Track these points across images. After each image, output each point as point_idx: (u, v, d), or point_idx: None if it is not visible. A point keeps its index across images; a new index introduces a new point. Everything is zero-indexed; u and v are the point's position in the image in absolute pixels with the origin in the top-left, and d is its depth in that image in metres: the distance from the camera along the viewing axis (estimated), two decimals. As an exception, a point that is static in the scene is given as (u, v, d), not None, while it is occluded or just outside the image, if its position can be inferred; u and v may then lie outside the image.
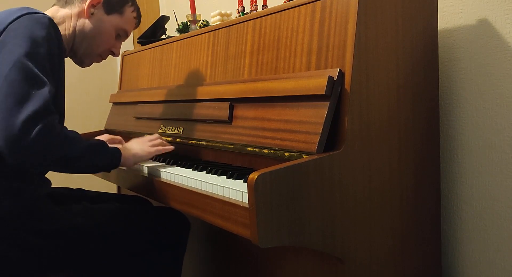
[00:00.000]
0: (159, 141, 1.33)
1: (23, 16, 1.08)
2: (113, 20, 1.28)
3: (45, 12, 1.21)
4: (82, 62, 1.32)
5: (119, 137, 1.52)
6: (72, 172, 1.12)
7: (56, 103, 1.15)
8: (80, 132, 1.94)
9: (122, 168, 1.30)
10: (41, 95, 0.99)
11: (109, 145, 1.16)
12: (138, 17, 1.37)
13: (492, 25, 1.15)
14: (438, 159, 1.16)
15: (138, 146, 1.26)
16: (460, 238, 1.26)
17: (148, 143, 1.29)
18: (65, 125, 1.23)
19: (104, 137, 1.46)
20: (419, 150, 1.10)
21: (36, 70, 1.02)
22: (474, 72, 1.20)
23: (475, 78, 1.20)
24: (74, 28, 1.24)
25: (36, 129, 0.95)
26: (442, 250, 1.27)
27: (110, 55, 1.35)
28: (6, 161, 0.99)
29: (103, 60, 1.36)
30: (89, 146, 1.08)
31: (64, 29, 1.24)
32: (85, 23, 1.24)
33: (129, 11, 1.32)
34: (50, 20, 1.10)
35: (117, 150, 1.16)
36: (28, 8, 1.12)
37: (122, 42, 1.38)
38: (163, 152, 1.30)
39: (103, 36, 1.28)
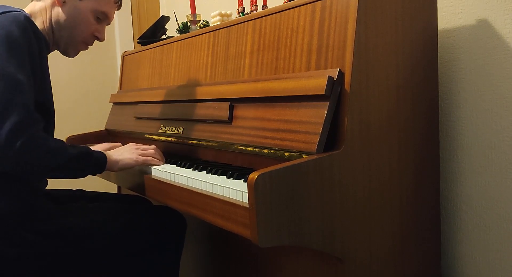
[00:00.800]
0: (151, 151, 1.31)
1: None
2: (88, 4, 1.24)
3: (24, 9, 1.21)
4: (67, 52, 1.30)
5: (119, 144, 1.52)
6: (61, 178, 1.15)
7: (43, 102, 1.16)
8: (80, 133, 1.95)
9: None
10: (24, 103, 1.00)
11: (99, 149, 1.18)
12: None
13: (491, 26, 1.15)
14: (438, 159, 1.16)
15: (126, 153, 1.26)
16: (459, 238, 1.26)
17: (137, 151, 1.28)
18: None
19: (104, 146, 1.47)
20: (419, 150, 1.10)
21: (17, 75, 1.01)
22: (473, 73, 1.20)
23: (475, 78, 1.20)
24: (50, 19, 1.23)
25: (20, 141, 0.98)
26: (442, 250, 1.27)
27: (95, 40, 1.32)
28: None
29: (89, 46, 1.33)
30: (73, 154, 1.10)
31: (42, 22, 1.23)
32: (59, 12, 1.23)
33: None
34: (26, 17, 1.09)
35: (103, 156, 1.19)
36: (4, 6, 1.12)
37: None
38: (151, 164, 1.28)
39: (81, 22, 1.25)
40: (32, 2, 1.26)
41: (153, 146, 1.34)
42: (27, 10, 1.23)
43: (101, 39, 1.33)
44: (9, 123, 0.97)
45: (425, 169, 1.12)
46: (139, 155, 1.27)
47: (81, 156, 1.12)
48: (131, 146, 1.31)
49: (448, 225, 1.28)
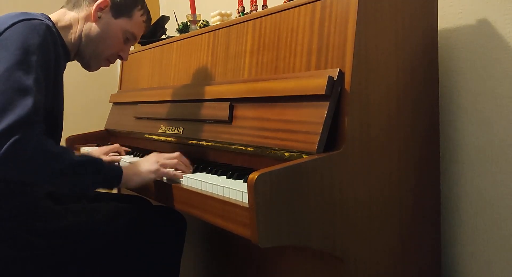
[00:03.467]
0: (174, 161, 1.18)
1: (19, 23, 1.05)
2: (121, 23, 1.25)
3: (52, 15, 1.21)
4: (89, 66, 1.30)
5: (117, 145, 1.52)
6: (66, 189, 1.08)
7: (52, 110, 1.14)
8: (80, 133, 1.95)
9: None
10: (24, 106, 0.96)
11: (113, 163, 1.11)
12: (148, 21, 1.33)
13: (492, 25, 1.15)
14: (438, 159, 1.16)
15: (145, 165, 1.17)
16: (460, 238, 1.26)
17: (158, 162, 1.17)
18: (63, 123, 1.23)
19: (102, 150, 1.45)
20: (419, 149, 1.10)
21: (24, 80, 0.99)
22: (474, 72, 1.20)
23: (475, 78, 1.20)
24: (81, 32, 1.22)
25: (9, 142, 0.92)
26: (442, 250, 1.27)
27: (118, 59, 1.33)
28: None
29: (111, 64, 1.34)
30: (77, 161, 1.03)
31: (71, 32, 1.22)
32: (92, 26, 1.22)
33: (138, 15, 1.28)
34: (48, 26, 1.08)
35: (117, 171, 1.11)
36: (26, 13, 1.10)
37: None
38: (173, 177, 1.16)
39: (110, 40, 1.25)
40: (62, 9, 1.25)
41: (177, 154, 1.21)
42: (54, 16, 1.21)
43: (124, 59, 1.34)
44: (5, 123, 0.94)
45: (426, 169, 1.12)
46: (161, 165, 1.17)
47: (87, 164, 1.05)
48: (153, 156, 1.20)
49: (448, 225, 1.28)
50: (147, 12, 1.32)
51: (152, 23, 1.83)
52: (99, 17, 1.23)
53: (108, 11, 1.23)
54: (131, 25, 1.27)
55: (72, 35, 1.22)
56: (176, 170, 1.18)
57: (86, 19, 1.22)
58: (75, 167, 1.02)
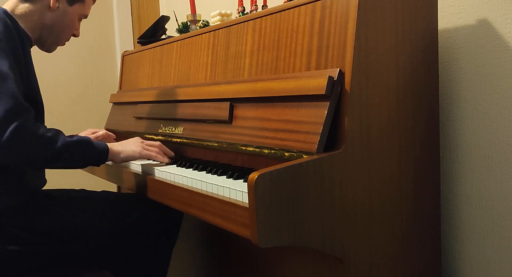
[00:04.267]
0: (155, 149, 1.30)
1: None
2: (76, 9, 1.31)
3: (4, 6, 1.23)
4: (50, 50, 1.35)
5: (104, 132, 1.60)
6: (60, 168, 1.14)
7: (30, 93, 1.18)
8: (80, 132, 1.94)
9: (108, 163, 1.39)
10: (10, 92, 1.01)
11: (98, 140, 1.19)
12: None
13: (492, 25, 1.15)
14: (438, 159, 1.16)
15: (130, 145, 1.27)
16: (460, 238, 1.26)
17: (142, 145, 1.28)
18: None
19: (87, 132, 1.53)
20: (419, 149, 1.10)
21: (1, 67, 1.04)
22: (474, 72, 1.20)
23: (475, 78, 1.20)
24: (40, 21, 1.26)
25: (9, 130, 0.98)
26: (442, 250, 1.27)
27: (72, 36, 1.39)
28: None
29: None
30: (70, 142, 1.10)
31: (26, 21, 1.24)
32: (50, 16, 1.26)
33: None
34: (6, 12, 1.13)
35: (104, 146, 1.20)
36: None
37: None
38: (155, 158, 1.28)
39: (68, 26, 1.31)
40: (13, 0, 1.27)
41: (158, 143, 1.34)
42: (7, 6, 1.24)
43: (77, 35, 1.39)
44: (1, 111, 0.98)
45: (426, 169, 1.12)
46: (144, 149, 1.27)
47: (78, 144, 1.12)
48: (136, 139, 1.31)
49: (448, 225, 1.28)
50: None
51: (152, 23, 1.83)
52: (58, 7, 1.27)
53: (64, 0, 1.28)
54: (84, 9, 1.34)
55: (29, 24, 1.25)
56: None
57: (43, 9, 1.26)
58: (68, 147, 1.09)
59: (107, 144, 1.22)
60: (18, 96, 1.03)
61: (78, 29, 1.37)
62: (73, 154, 1.11)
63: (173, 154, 1.35)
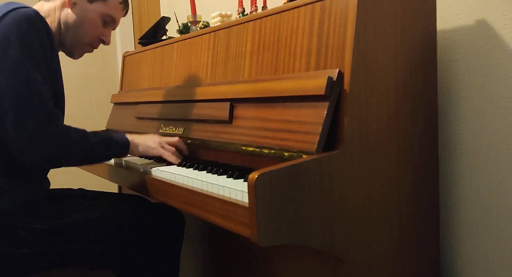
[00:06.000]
0: (172, 149, 1.33)
1: (10, 13, 1.09)
2: (97, 7, 1.27)
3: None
4: (72, 53, 1.33)
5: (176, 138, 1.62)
6: (88, 164, 1.28)
7: (56, 92, 1.19)
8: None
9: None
10: (40, 101, 1.06)
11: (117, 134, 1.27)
12: (125, 2, 1.35)
13: (490, 26, 1.16)
14: (437, 159, 1.17)
15: (148, 141, 1.31)
16: (459, 238, 1.26)
17: (159, 141, 1.32)
18: (64, 123, 1.25)
19: None
20: (418, 150, 1.11)
21: (32, 72, 1.06)
22: (472, 73, 1.20)
23: (474, 79, 1.20)
24: (59, 20, 1.25)
25: (42, 139, 1.05)
26: (441, 250, 1.27)
27: (101, 43, 1.35)
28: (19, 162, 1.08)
29: (94, 50, 1.36)
30: (96, 142, 1.17)
31: (50, 22, 1.24)
32: (68, 13, 1.25)
33: None
34: (36, 13, 1.11)
35: (125, 140, 1.27)
36: (13, 3, 1.14)
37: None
38: (167, 158, 1.30)
39: (88, 25, 1.27)
40: (40, 2, 1.28)
41: (177, 138, 1.37)
42: (36, 8, 1.24)
43: (106, 42, 1.35)
44: (29, 126, 1.03)
45: (425, 169, 1.13)
46: (161, 147, 1.31)
47: (104, 143, 1.20)
48: (155, 136, 1.34)
49: (447, 225, 1.28)
50: None
51: (153, 24, 1.84)
52: (74, 4, 1.25)
53: None
54: (107, 8, 1.29)
55: (51, 25, 1.25)
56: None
57: (62, 6, 1.25)
58: (94, 147, 1.17)
59: (127, 136, 1.28)
60: (47, 105, 1.07)
61: (106, 35, 1.33)
62: (99, 153, 1.20)
63: (187, 151, 1.39)
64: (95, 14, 1.27)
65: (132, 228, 1.25)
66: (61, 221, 1.17)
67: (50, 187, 1.34)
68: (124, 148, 1.26)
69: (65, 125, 1.13)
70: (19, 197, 1.12)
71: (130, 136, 1.28)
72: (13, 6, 1.11)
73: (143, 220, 1.29)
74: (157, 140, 1.32)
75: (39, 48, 1.09)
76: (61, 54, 1.33)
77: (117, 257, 1.24)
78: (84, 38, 1.29)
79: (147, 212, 1.32)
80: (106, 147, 1.21)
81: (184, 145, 1.38)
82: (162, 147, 1.31)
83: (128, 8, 1.38)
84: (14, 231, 1.10)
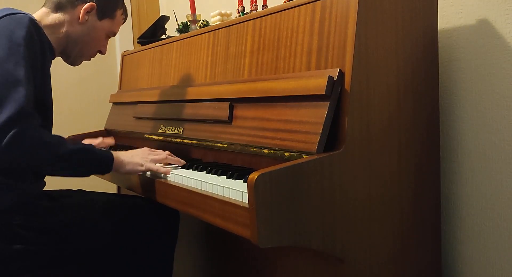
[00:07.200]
0: (162, 157, 1.27)
1: (4, 18, 1.11)
2: (105, 24, 1.33)
3: (34, 14, 1.24)
4: (74, 63, 1.37)
5: (100, 139, 1.59)
6: (64, 175, 1.15)
7: (42, 98, 1.18)
8: (80, 133, 1.95)
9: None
10: (18, 99, 1.02)
11: (102, 148, 1.19)
12: (125, 15, 1.42)
13: (492, 25, 1.15)
14: (438, 159, 1.16)
15: (136, 156, 1.24)
16: (460, 238, 1.26)
17: (148, 156, 1.26)
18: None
19: (97, 140, 1.52)
20: (419, 149, 1.10)
21: (15, 71, 1.05)
22: (474, 72, 1.20)
23: (475, 78, 1.20)
24: (67, 34, 1.27)
25: (9, 135, 0.99)
26: (442, 250, 1.27)
27: (98, 53, 1.40)
28: None
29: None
30: (72, 149, 1.10)
31: (54, 32, 1.26)
32: (78, 29, 1.28)
33: (119, 14, 1.37)
34: (31, 20, 1.13)
35: (109, 155, 1.18)
36: (9, 9, 1.15)
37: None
38: (157, 171, 1.23)
39: (95, 40, 1.34)
40: (44, 9, 1.28)
41: (166, 152, 1.30)
42: (37, 15, 1.25)
43: (103, 53, 1.41)
44: (3, 117, 0.99)
45: (426, 169, 1.12)
46: (151, 160, 1.24)
47: (82, 152, 1.12)
48: (144, 150, 1.28)
49: (448, 225, 1.28)
50: (125, 10, 1.41)
51: (152, 23, 1.83)
52: (86, 20, 1.29)
53: (94, 14, 1.30)
54: (113, 25, 1.36)
55: (56, 35, 1.27)
56: (166, 164, 1.28)
57: (72, 21, 1.27)
58: (70, 155, 1.09)
59: (113, 152, 1.20)
60: (24, 103, 1.03)
61: (105, 46, 1.39)
62: (75, 161, 1.11)
63: (182, 161, 1.29)
64: (102, 32, 1.33)
65: (127, 225, 1.26)
66: (57, 219, 1.18)
67: (50, 188, 1.33)
68: (105, 161, 1.17)
69: (40, 127, 1.07)
70: (13, 195, 1.12)
71: (115, 153, 1.20)
72: (9, 12, 1.12)
73: (138, 217, 1.29)
74: (146, 154, 1.26)
75: (27, 52, 1.08)
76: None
77: (114, 257, 1.25)
78: (88, 52, 1.35)
79: (142, 208, 1.33)
80: (82, 155, 1.12)
81: (175, 157, 1.30)
82: (153, 160, 1.25)
83: (126, 17, 1.44)
84: (9, 230, 1.10)
